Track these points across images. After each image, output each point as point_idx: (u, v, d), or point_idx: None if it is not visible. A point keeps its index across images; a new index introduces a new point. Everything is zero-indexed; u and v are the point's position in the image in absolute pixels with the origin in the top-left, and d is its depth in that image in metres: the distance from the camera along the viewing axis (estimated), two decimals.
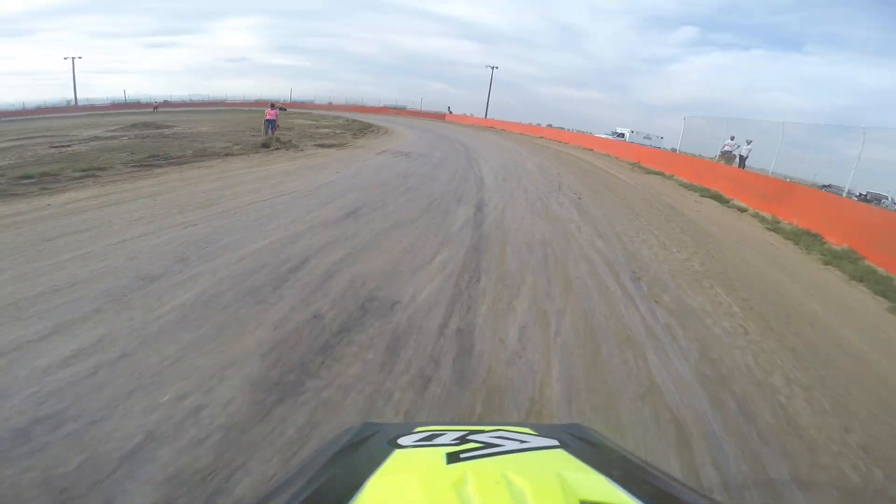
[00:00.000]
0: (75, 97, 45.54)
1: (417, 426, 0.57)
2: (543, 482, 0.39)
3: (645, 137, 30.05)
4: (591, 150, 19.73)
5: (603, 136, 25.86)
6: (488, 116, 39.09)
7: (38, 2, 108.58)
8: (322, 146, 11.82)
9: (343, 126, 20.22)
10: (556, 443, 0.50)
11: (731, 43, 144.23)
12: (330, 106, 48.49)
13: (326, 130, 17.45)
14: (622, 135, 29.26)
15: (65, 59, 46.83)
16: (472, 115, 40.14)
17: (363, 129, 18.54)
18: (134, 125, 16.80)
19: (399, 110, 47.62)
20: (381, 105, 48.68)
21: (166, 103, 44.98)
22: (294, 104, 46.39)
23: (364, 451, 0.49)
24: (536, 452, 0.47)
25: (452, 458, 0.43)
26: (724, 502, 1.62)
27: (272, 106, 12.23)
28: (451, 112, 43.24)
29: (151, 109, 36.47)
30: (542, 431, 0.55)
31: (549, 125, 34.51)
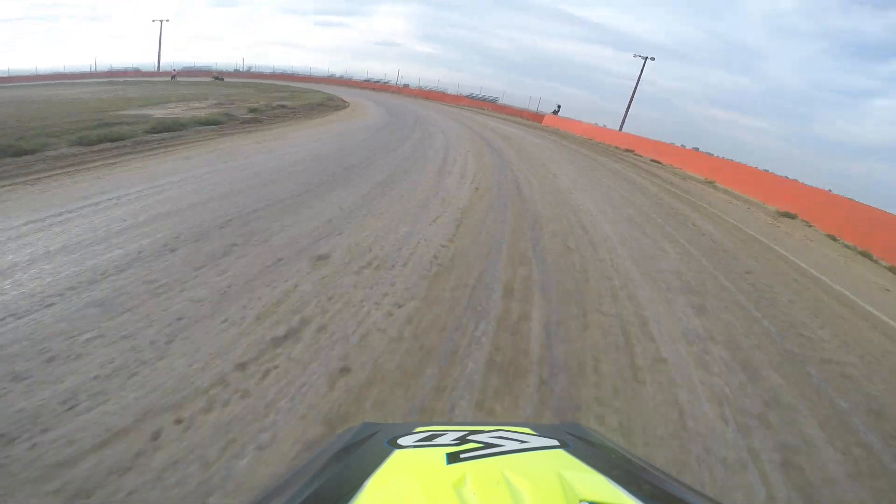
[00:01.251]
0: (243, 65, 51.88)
1: (417, 426, 0.57)
2: (543, 482, 0.39)
3: None
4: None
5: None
6: (623, 129, 26.10)
7: None
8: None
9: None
10: (556, 443, 0.50)
11: None
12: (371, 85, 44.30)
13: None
14: None
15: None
16: (602, 125, 26.16)
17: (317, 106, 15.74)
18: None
19: (482, 102, 36.30)
20: (458, 94, 38.61)
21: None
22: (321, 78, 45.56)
23: (364, 451, 0.49)
24: (536, 452, 0.48)
25: (452, 458, 0.44)
26: (724, 503, 1.58)
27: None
28: (556, 114, 28.86)
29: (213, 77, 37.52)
30: (542, 431, 0.56)
31: (696, 149, 24.70)
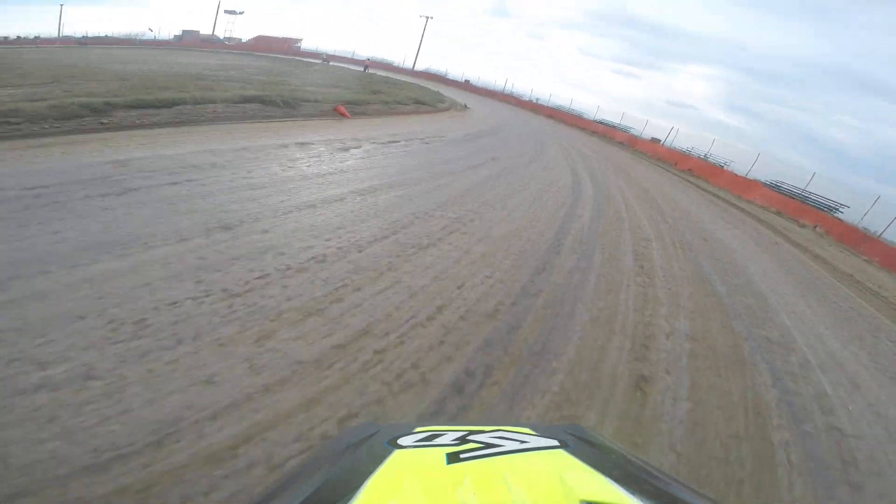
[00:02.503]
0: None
1: (417, 426, 0.57)
2: (544, 482, 0.39)
3: None
4: None
5: None
6: None
7: (552, 13, 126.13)
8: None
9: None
10: (556, 443, 0.50)
11: None
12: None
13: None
14: None
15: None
16: None
17: None
18: None
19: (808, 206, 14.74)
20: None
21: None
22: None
23: (364, 451, 0.50)
24: (536, 453, 0.48)
25: (452, 458, 0.44)
26: (724, 502, 1.58)
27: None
28: None
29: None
30: (542, 432, 0.56)
31: None
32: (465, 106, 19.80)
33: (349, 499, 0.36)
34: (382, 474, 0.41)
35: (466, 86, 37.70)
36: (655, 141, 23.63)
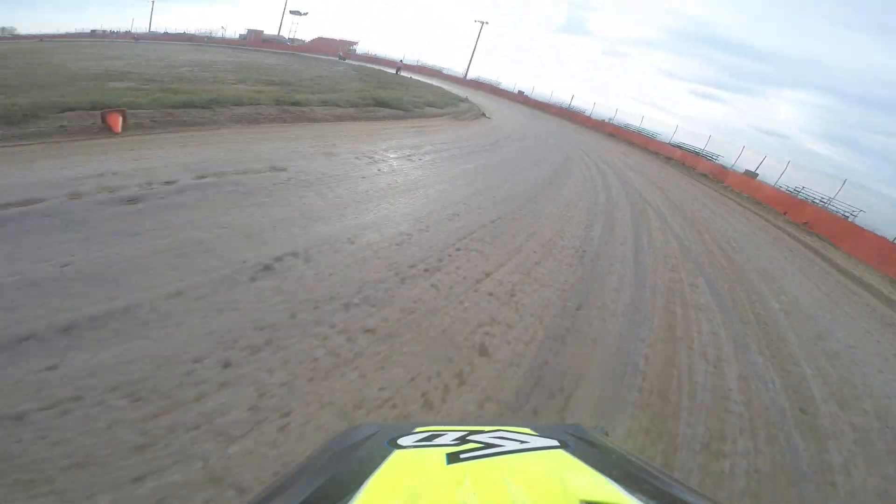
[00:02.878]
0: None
1: (417, 426, 0.57)
2: (544, 483, 0.39)
3: None
4: None
5: None
6: None
7: (634, 32, 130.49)
8: None
9: None
10: (556, 443, 0.50)
11: None
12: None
13: None
14: None
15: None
16: None
17: None
18: None
19: None
20: None
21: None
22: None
23: (364, 451, 0.50)
24: (536, 453, 0.47)
25: (452, 458, 0.44)
26: (724, 502, 1.55)
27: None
28: None
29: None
30: (542, 432, 0.55)
31: None
32: (485, 114, 17.38)
33: (349, 499, 0.36)
34: (382, 474, 0.41)
35: (520, 97, 35.74)
36: (750, 175, 17.91)
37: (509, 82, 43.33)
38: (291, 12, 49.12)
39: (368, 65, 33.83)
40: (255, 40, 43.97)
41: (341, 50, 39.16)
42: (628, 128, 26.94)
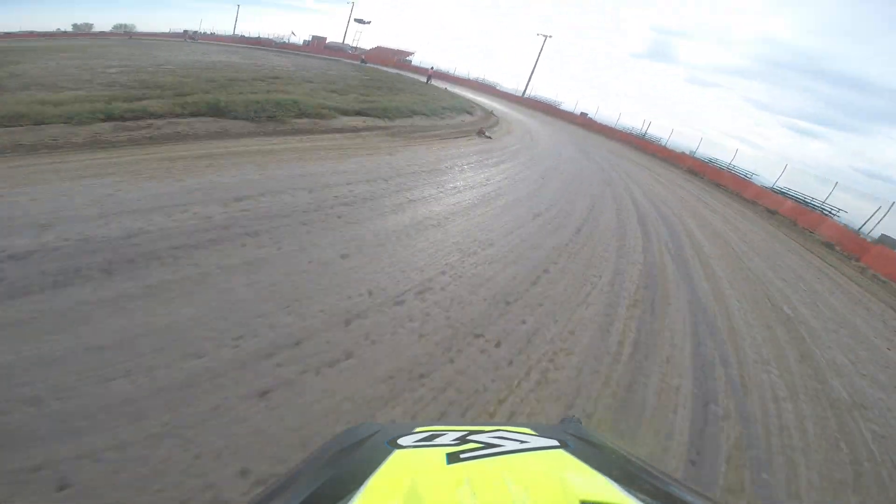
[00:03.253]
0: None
1: (417, 426, 0.57)
2: (543, 482, 0.39)
3: None
4: None
5: None
6: None
7: (724, 60, 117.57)
8: None
9: None
10: (556, 443, 0.50)
11: None
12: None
13: None
14: None
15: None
16: None
17: None
18: None
19: None
20: None
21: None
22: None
23: (364, 451, 0.50)
24: (536, 453, 0.47)
25: (452, 458, 0.43)
26: (724, 502, 1.56)
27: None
28: None
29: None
30: (542, 432, 0.55)
31: None
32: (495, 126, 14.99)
33: (349, 499, 0.36)
34: (382, 474, 0.41)
35: (581, 118, 33.22)
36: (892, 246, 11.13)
37: (569, 103, 40.33)
38: (356, 20, 51.16)
39: (406, 73, 32.77)
40: (317, 46, 45.81)
41: (364, 55, 39.15)
42: (714, 163, 21.36)
